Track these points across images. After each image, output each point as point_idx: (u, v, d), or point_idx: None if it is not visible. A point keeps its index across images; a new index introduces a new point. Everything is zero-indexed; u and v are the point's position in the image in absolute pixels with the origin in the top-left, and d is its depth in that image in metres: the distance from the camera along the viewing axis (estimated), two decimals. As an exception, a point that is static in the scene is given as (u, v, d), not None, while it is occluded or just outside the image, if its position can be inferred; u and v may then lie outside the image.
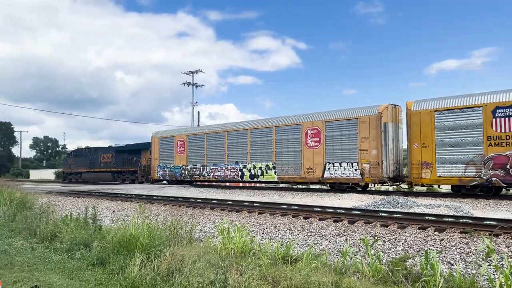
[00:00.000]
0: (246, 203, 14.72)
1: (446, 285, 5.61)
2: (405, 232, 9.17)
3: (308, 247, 7.63)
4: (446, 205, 13.43)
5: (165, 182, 31.46)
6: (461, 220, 9.64)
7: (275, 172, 23.49)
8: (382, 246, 8.30)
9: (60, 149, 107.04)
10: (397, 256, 7.57)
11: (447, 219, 9.94)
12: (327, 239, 9.25)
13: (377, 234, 9.18)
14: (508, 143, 15.44)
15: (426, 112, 17.38)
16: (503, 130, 15.54)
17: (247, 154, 25.17)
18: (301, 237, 9.62)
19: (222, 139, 26.93)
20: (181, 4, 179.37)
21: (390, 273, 6.15)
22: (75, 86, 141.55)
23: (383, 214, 11.08)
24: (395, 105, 19.86)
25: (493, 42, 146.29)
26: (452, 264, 6.99)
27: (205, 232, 10.85)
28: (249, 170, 24.96)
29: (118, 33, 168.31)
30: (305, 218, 11.38)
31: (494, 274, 6.16)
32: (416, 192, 19.62)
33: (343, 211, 11.96)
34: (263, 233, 10.29)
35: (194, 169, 28.42)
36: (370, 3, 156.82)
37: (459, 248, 7.71)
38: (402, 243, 8.38)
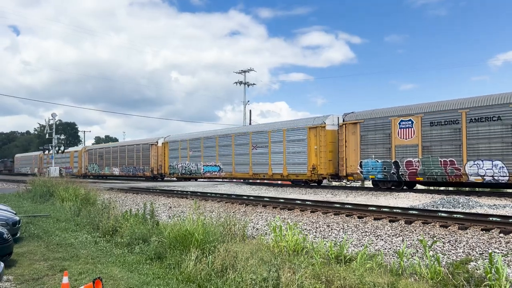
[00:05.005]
0: (298, 201, 14.67)
1: (512, 290, 5.27)
2: (467, 233, 8.73)
3: (363, 247, 7.47)
4: (512, 206, 12.63)
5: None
6: (530, 222, 9.04)
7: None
8: (442, 248, 7.95)
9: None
10: (457, 259, 7.22)
11: (513, 220, 9.34)
12: (382, 239, 9.00)
13: (436, 235, 8.81)
14: None
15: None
16: None
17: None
18: (355, 236, 9.43)
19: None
20: (233, 3, 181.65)
21: (450, 276, 5.88)
22: (133, 87, 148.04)
23: (442, 214, 10.61)
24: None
25: None
26: (520, 269, 6.56)
27: (257, 229, 10.93)
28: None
29: (173, 34, 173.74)
30: (359, 217, 11.16)
31: None
32: (479, 191, 18.63)
33: (399, 210, 11.59)
34: (315, 232, 10.20)
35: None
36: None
37: (527, 252, 7.22)
38: (464, 245, 7.98)
